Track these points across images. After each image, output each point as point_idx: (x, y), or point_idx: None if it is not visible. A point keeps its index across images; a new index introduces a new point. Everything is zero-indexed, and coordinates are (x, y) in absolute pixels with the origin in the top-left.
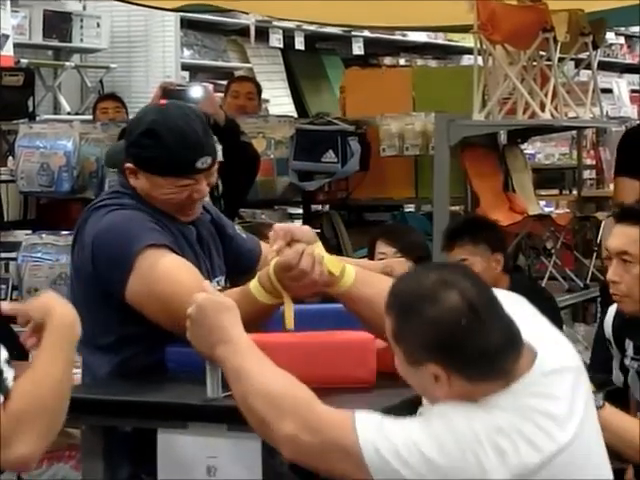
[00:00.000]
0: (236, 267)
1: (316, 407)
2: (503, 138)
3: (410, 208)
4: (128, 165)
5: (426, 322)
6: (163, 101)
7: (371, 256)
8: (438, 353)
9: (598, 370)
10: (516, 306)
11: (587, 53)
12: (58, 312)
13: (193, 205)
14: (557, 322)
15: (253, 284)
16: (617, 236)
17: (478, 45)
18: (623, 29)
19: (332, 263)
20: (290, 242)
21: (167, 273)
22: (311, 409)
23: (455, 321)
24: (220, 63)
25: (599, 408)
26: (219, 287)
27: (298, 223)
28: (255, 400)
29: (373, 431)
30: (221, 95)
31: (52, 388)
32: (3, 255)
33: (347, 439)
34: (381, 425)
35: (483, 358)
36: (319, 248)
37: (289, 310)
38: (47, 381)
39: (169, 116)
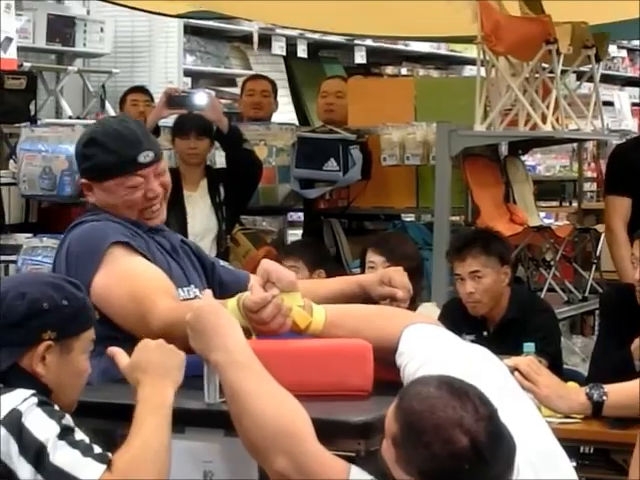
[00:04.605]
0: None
1: (312, 450)
2: (504, 149)
3: (410, 217)
4: (82, 182)
5: (430, 456)
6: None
7: (362, 264)
8: None
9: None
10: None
11: (589, 66)
12: (150, 374)
13: (153, 206)
14: (556, 334)
15: (231, 303)
16: None
17: (481, 56)
18: (625, 42)
19: (300, 316)
20: (266, 283)
21: (134, 269)
22: (306, 452)
23: (459, 465)
24: (222, 70)
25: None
26: (193, 295)
27: (299, 231)
28: (250, 426)
29: None
30: (223, 102)
31: (153, 457)
32: (3, 258)
33: None
34: None
35: None
36: (292, 298)
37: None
38: (148, 450)
39: (105, 123)
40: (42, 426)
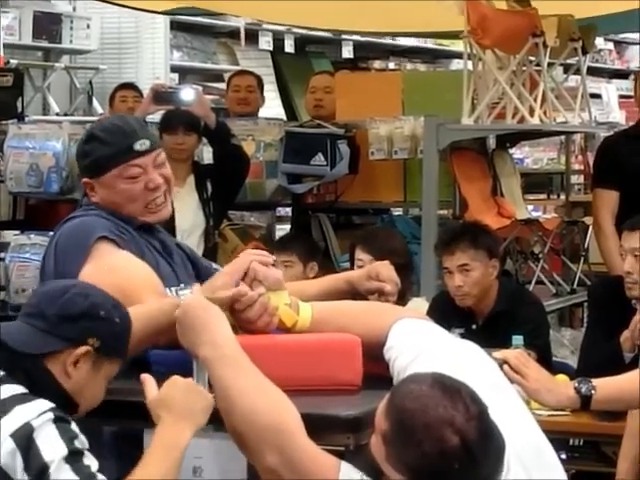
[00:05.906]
0: None
1: (302, 445)
2: (492, 142)
3: (398, 211)
4: (84, 181)
5: (420, 454)
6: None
7: (352, 261)
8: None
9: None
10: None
11: (576, 58)
12: (175, 412)
13: (156, 199)
14: (544, 326)
15: None
16: (633, 238)
17: (468, 49)
18: (612, 35)
19: (286, 315)
20: (252, 281)
21: (121, 265)
22: (297, 448)
23: (449, 464)
24: (209, 65)
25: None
26: (181, 293)
27: (287, 226)
28: (239, 422)
29: None
30: (211, 97)
31: None
32: None
33: None
34: None
35: None
36: (278, 296)
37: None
38: None
39: (103, 120)
40: (50, 445)
